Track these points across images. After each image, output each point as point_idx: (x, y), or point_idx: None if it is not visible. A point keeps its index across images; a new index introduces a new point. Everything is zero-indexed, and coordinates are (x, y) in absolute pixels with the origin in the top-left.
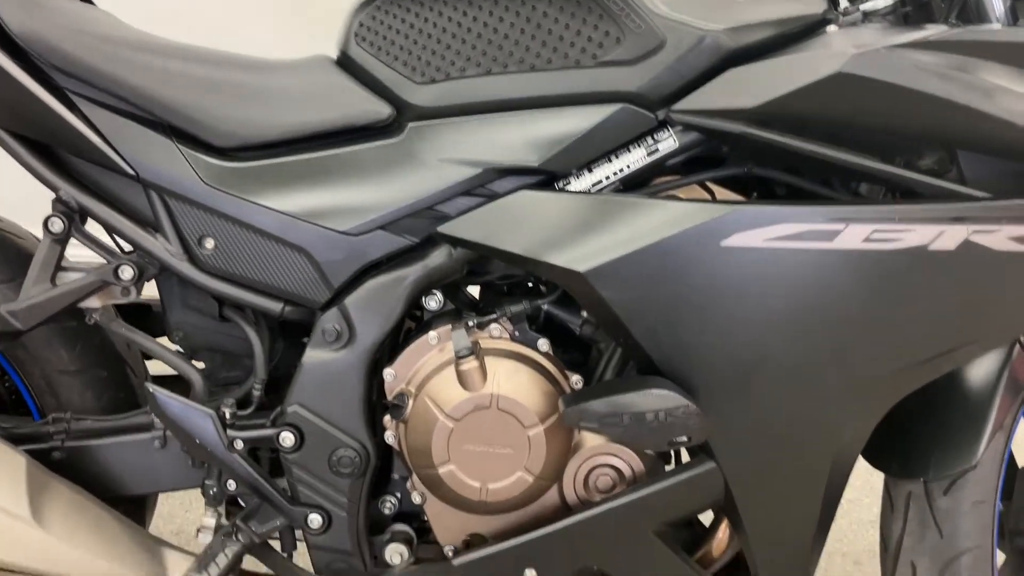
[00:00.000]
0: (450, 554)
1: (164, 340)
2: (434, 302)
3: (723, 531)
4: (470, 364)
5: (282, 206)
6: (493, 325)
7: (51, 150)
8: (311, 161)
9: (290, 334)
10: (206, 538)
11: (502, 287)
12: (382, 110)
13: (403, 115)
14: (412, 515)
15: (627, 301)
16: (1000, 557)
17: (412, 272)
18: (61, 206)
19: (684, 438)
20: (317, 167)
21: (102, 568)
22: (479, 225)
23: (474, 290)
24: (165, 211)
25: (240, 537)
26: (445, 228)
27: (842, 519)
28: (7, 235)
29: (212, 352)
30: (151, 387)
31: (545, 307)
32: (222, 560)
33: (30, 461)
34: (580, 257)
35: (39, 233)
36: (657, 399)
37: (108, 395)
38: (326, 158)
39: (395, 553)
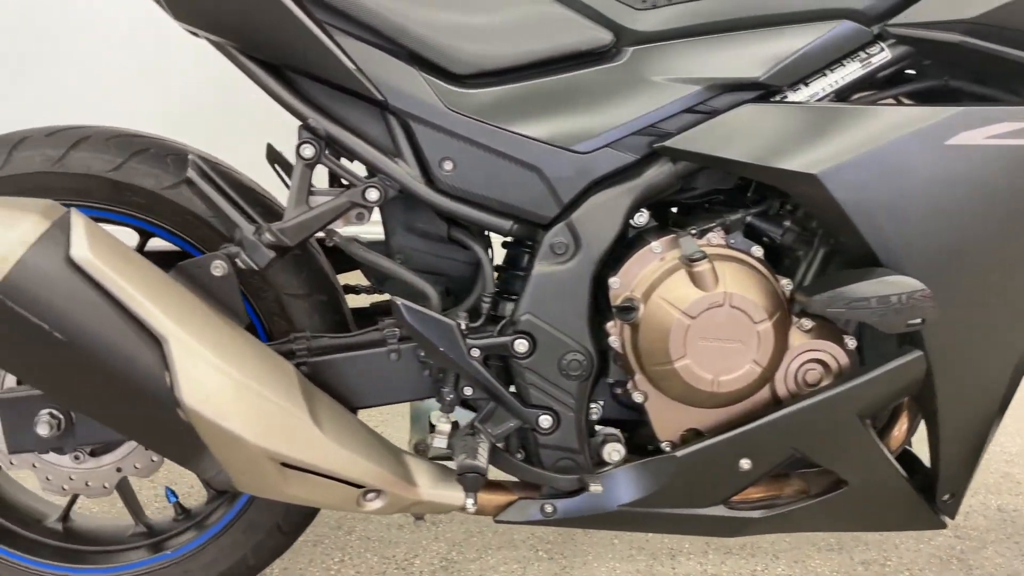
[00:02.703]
0: (668, 449)
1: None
2: (642, 217)
3: (900, 425)
4: (704, 266)
5: (518, 128)
6: (711, 234)
7: (296, 83)
8: (541, 86)
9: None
10: (441, 443)
11: (700, 204)
12: (604, 36)
13: (622, 40)
14: (615, 421)
15: (856, 199)
16: None
17: (634, 187)
18: (309, 134)
19: (919, 320)
20: (546, 91)
21: (364, 468)
22: (707, 138)
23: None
24: (406, 136)
25: (482, 436)
26: (672, 143)
27: None
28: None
29: (428, 274)
30: (398, 300)
31: (748, 218)
32: (483, 451)
33: (296, 369)
34: (813, 161)
35: None
36: (897, 285)
37: (329, 317)
38: (554, 82)
39: (612, 451)
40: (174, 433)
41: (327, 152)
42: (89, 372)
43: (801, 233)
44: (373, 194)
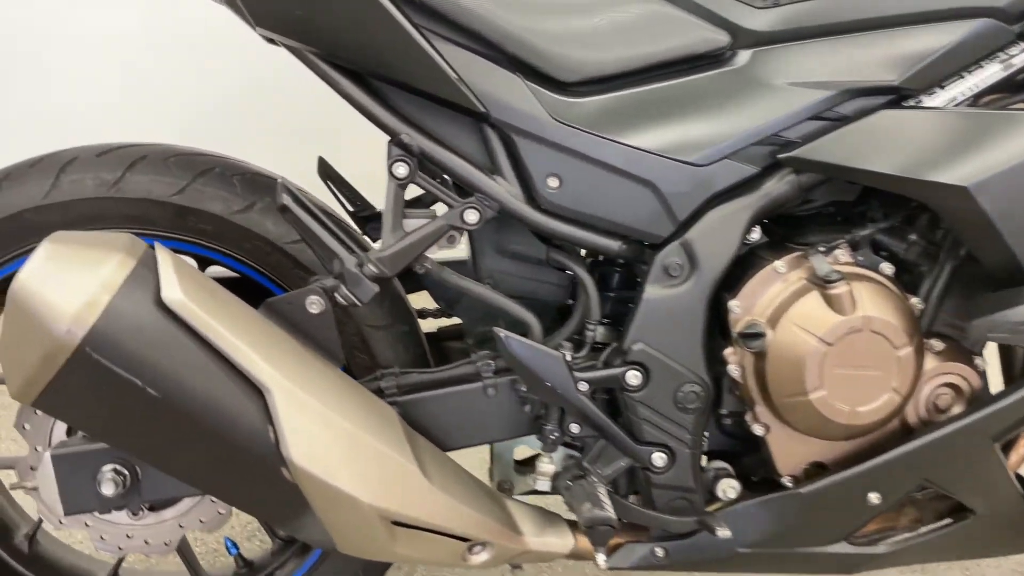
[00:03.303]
0: (789, 484)
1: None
2: (755, 234)
3: (1019, 449)
4: (842, 288)
5: (630, 140)
6: (837, 251)
7: (382, 95)
8: (653, 93)
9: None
10: (544, 485)
11: (810, 217)
12: (720, 38)
13: (739, 41)
14: (719, 453)
15: (1008, 213)
16: None
17: (754, 201)
18: (401, 151)
19: None
20: (659, 99)
21: (471, 520)
22: (840, 148)
23: None
24: (507, 151)
25: (592, 479)
26: (800, 153)
27: None
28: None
29: (519, 299)
30: (500, 332)
31: (875, 234)
32: (604, 497)
33: (396, 413)
34: (963, 173)
35: None
36: None
37: (412, 349)
38: (667, 89)
39: (728, 488)
40: (274, 493)
41: (420, 170)
42: (184, 431)
43: (927, 247)
44: (472, 216)
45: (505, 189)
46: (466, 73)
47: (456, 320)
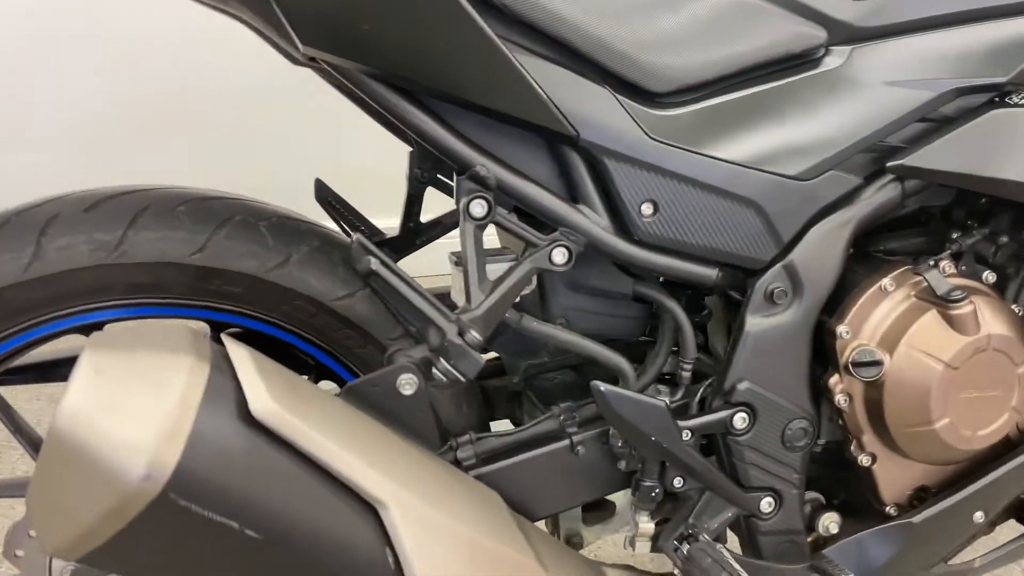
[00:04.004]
0: (893, 512)
1: None
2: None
3: None
4: (968, 308)
5: (728, 154)
6: (944, 262)
7: (446, 119)
8: (748, 99)
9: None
10: (643, 547)
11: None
12: (817, 34)
13: (834, 37)
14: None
15: None
16: None
17: (857, 214)
18: (476, 185)
19: None
20: (755, 106)
21: None
22: (956, 153)
23: None
24: (595, 178)
25: (701, 538)
26: (913, 160)
27: None
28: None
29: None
30: (601, 385)
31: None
32: (733, 561)
33: (498, 496)
34: None
35: None
36: None
37: (474, 406)
38: (762, 94)
39: (830, 523)
40: None
41: (498, 207)
42: (287, 573)
43: (1017, 249)
44: (561, 255)
45: (593, 221)
46: (553, 90)
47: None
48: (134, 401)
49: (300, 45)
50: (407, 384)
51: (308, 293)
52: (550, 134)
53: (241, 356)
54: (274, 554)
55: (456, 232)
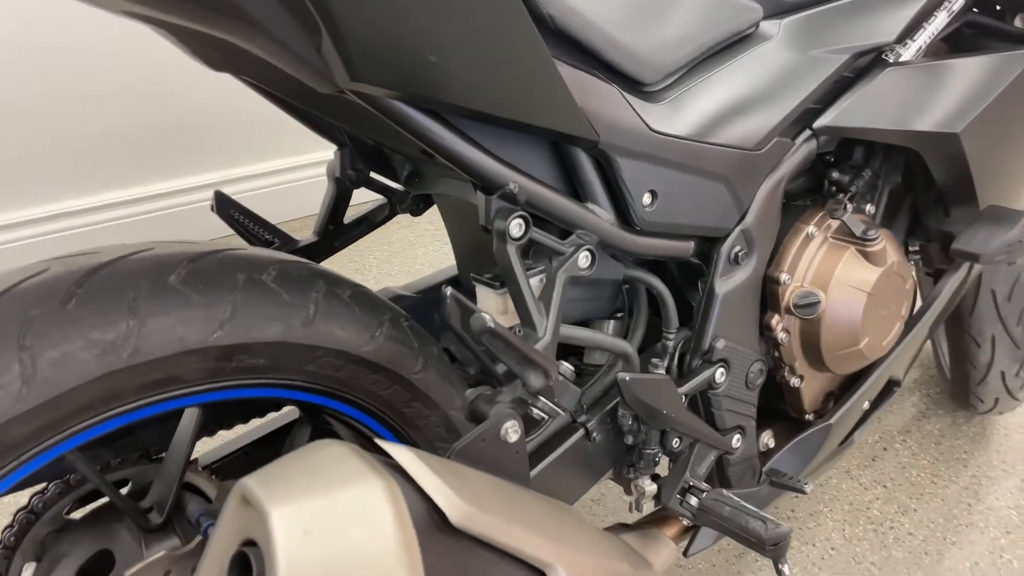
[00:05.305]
0: (811, 418)
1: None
2: None
3: None
4: (880, 244)
5: (706, 136)
6: (848, 204)
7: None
8: (710, 81)
9: None
10: (650, 506)
11: None
12: (755, 7)
13: (766, 11)
14: None
15: (978, 151)
16: None
17: (787, 171)
18: (510, 204)
19: None
20: (716, 87)
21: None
22: (862, 110)
23: None
24: (602, 177)
25: (702, 487)
26: (831, 120)
27: None
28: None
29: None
30: (625, 375)
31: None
32: (738, 504)
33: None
34: (953, 120)
35: None
36: None
37: None
38: (720, 75)
39: (768, 439)
40: None
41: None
42: None
43: (871, 179)
44: (585, 259)
45: (603, 218)
46: (579, 97)
47: None
48: (356, 556)
49: (345, 80)
50: (512, 431)
51: (335, 347)
52: (567, 139)
53: (410, 458)
54: None
55: (376, 234)
